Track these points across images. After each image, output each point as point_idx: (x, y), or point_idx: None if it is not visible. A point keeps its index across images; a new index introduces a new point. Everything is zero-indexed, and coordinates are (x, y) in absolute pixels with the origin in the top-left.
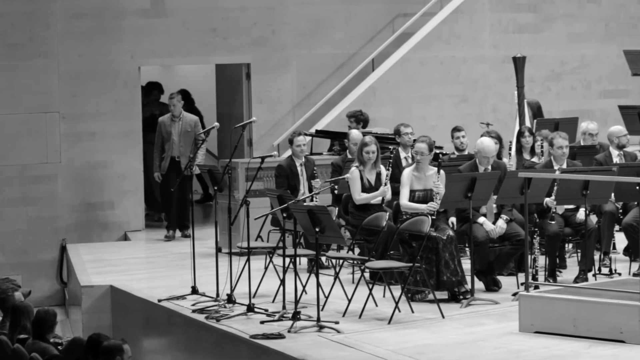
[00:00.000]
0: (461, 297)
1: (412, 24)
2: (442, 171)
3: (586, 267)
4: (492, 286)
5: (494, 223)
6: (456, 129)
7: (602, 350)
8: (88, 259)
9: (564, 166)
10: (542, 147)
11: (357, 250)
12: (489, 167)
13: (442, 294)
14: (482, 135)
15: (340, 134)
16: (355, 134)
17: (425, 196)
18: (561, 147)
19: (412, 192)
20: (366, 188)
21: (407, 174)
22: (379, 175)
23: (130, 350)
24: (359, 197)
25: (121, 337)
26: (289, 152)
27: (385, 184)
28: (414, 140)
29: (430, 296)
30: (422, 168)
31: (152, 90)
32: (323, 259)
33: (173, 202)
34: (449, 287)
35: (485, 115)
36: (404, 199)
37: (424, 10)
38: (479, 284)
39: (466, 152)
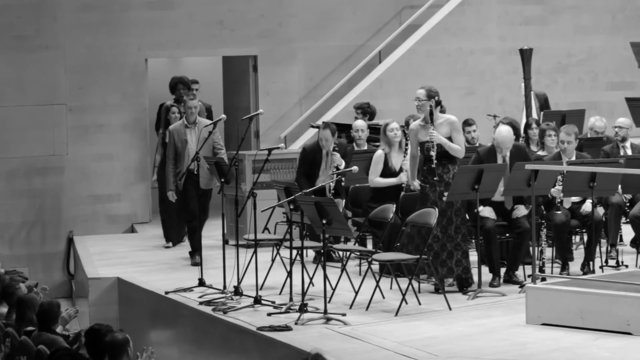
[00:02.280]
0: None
1: (419, 16)
2: (452, 118)
3: (591, 257)
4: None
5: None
6: (467, 123)
7: (609, 342)
8: (95, 251)
9: (573, 158)
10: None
11: (369, 243)
12: (507, 153)
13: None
14: (498, 124)
15: (347, 126)
16: (360, 123)
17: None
18: (563, 142)
19: (421, 144)
20: (391, 172)
21: (412, 128)
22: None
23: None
24: (375, 179)
25: (119, 328)
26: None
27: (401, 170)
28: None
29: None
30: (428, 117)
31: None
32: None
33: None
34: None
35: (492, 107)
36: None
37: (431, 2)
38: (485, 277)
39: (477, 145)
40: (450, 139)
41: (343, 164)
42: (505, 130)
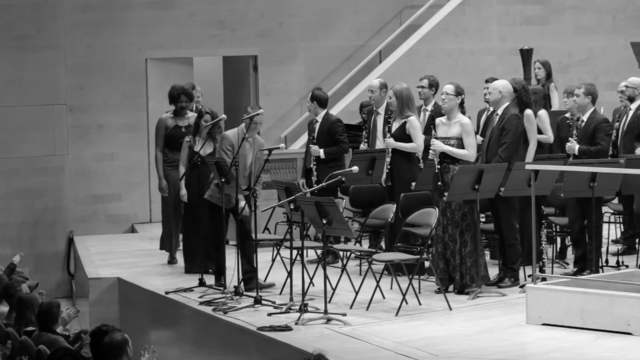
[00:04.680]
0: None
1: (420, 16)
2: (464, 120)
3: (594, 259)
4: None
5: None
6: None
7: (609, 342)
8: (95, 251)
9: (584, 118)
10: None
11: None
12: None
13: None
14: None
15: (348, 125)
16: (375, 82)
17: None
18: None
19: (436, 139)
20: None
21: (437, 123)
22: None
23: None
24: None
25: (118, 328)
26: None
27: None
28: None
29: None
30: (448, 113)
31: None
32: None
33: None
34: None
35: None
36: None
37: (431, 2)
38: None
39: None
40: (461, 140)
41: None
42: None
